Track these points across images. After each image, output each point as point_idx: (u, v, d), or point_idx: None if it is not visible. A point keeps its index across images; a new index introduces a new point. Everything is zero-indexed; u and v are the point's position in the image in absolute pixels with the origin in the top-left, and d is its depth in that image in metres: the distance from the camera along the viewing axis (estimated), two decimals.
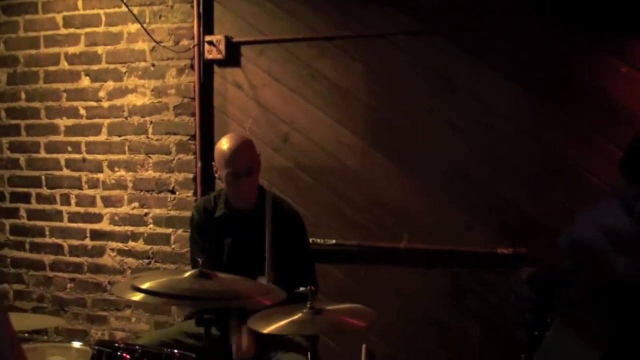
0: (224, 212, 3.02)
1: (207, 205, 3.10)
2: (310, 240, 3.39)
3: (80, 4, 4.20)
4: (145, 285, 2.03)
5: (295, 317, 2.34)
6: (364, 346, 3.66)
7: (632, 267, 0.92)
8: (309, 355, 2.40)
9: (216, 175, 3.04)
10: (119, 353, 2.13)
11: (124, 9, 4.02)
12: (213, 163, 3.03)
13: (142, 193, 4.15)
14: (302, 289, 2.39)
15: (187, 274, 2.10)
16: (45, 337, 4.04)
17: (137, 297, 2.02)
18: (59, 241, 4.37)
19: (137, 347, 2.19)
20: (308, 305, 2.35)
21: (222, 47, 3.85)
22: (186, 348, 2.71)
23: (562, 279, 1.13)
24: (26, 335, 2.99)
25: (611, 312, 0.98)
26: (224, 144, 2.95)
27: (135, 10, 4.02)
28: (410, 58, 3.58)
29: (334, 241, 3.75)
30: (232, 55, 3.87)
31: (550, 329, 1.10)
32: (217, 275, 2.11)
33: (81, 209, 4.30)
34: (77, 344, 2.81)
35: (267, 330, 2.34)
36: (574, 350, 1.03)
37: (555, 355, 1.08)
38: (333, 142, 3.75)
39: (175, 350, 2.23)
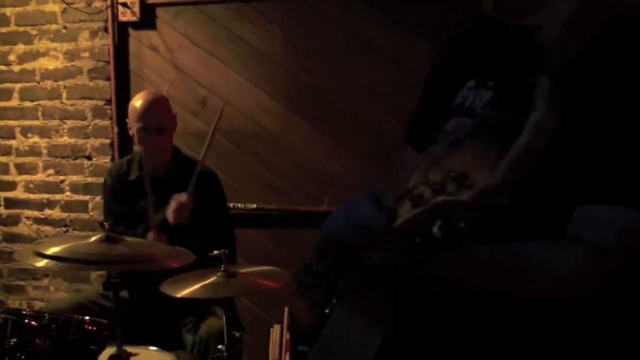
0: (138, 174, 2.99)
1: (120, 169, 3.06)
2: (231, 205, 3.38)
3: None
4: (49, 251, 1.99)
5: (209, 280, 2.34)
6: (286, 309, 3.69)
7: (385, 263, 0.94)
8: (224, 320, 2.41)
9: (130, 132, 3.02)
10: (25, 320, 2.06)
11: None
12: (127, 119, 3.02)
13: (57, 160, 4.03)
14: (215, 252, 2.39)
15: (93, 238, 2.06)
16: None
17: (41, 262, 1.98)
18: None
19: (45, 314, 2.14)
20: (222, 269, 2.35)
21: (136, 9, 3.75)
22: (104, 310, 2.69)
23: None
24: None
25: (390, 297, 1.00)
26: (137, 99, 2.96)
27: None
28: (327, 20, 3.57)
29: (254, 206, 3.74)
30: (147, 17, 3.78)
31: (334, 310, 1.11)
32: (124, 239, 2.08)
33: None
34: None
35: (180, 294, 2.33)
36: (355, 333, 1.04)
37: (337, 338, 1.09)
38: (252, 107, 3.72)
39: (87, 317, 2.18)
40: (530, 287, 0.97)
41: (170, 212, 2.82)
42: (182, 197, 2.82)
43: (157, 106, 2.95)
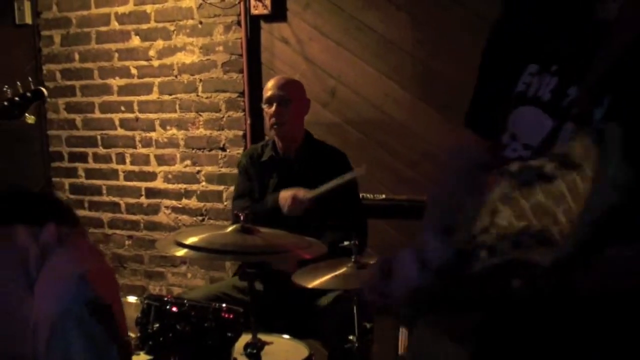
0: (270, 155, 3.08)
1: (254, 151, 3.21)
2: (360, 195, 3.37)
3: None
4: (188, 241, 2.06)
5: (340, 271, 2.35)
6: None
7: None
8: (355, 311, 2.41)
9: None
10: (167, 307, 2.16)
11: None
12: (263, 106, 3.14)
13: (193, 151, 4.20)
14: (346, 242, 2.40)
15: (229, 229, 2.13)
16: None
17: (181, 252, 2.06)
18: (116, 199, 4.48)
19: (185, 301, 2.23)
20: (353, 260, 2.36)
21: (267, 2, 3.81)
22: (236, 302, 2.76)
23: None
24: None
25: (474, 313, 0.91)
26: None
27: None
28: (457, 5, 3.47)
29: (383, 196, 3.72)
30: (278, 9, 3.84)
31: (416, 326, 1.05)
32: (258, 230, 2.13)
33: (136, 168, 4.38)
34: (132, 299, 2.89)
35: (311, 284, 2.36)
36: (440, 350, 0.98)
37: (422, 355, 1.03)
38: (381, 96, 3.70)
39: (224, 305, 2.25)
40: None
41: (285, 203, 2.89)
42: (301, 193, 2.87)
43: (284, 82, 3.08)
